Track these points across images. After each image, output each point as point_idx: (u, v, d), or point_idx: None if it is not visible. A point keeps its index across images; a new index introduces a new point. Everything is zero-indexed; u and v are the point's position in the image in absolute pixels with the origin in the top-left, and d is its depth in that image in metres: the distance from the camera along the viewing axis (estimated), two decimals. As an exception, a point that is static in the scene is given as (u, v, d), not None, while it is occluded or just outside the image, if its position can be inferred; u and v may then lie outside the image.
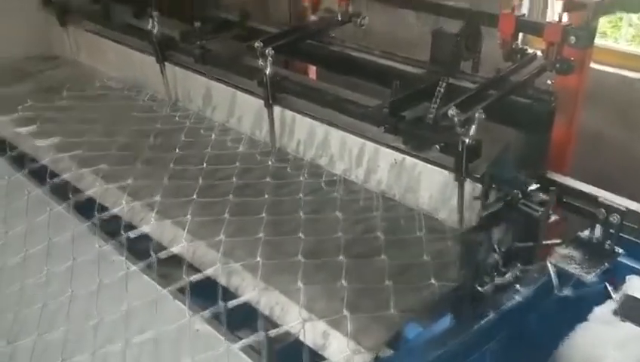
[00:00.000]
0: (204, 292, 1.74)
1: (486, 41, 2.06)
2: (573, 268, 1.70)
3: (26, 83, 2.92)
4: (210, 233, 1.86)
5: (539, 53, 1.97)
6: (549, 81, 1.89)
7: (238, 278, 1.72)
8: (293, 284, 1.66)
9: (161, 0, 2.71)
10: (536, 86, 1.92)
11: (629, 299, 1.71)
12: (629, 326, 1.67)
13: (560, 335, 1.70)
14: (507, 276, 1.75)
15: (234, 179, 2.13)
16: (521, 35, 2.01)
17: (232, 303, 1.62)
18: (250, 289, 1.67)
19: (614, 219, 1.72)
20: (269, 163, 2.24)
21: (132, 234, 1.86)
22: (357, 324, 1.54)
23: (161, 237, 1.89)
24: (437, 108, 1.79)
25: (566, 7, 1.90)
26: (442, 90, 1.84)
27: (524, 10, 3.26)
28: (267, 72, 2.16)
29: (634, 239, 1.75)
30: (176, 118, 2.56)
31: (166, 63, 2.60)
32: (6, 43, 3.05)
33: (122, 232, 1.89)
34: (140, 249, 1.87)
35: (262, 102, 2.24)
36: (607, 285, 1.78)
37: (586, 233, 1.79)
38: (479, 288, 1.69)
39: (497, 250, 1.72)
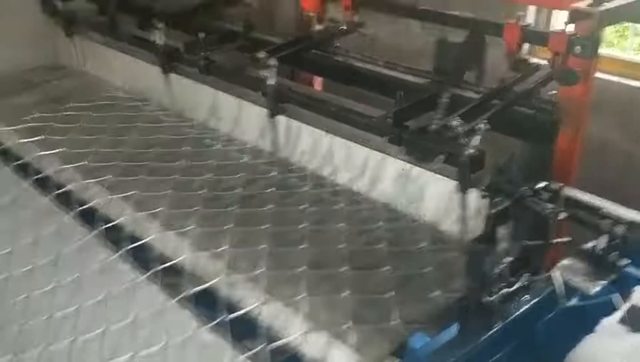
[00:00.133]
0: (209, 303, 1.74)
1: (491, 51, 2.06)
2: (577, 281, 1.69)
3: (33, 93, 2.93)
4: (214, 244, 1.86)
5: (544, 62, 1.97)
6: (551, 92, 1.88)
7: (241, 290, 1.72)
8: (296, 296, 1.66)
9: (166, 11, 2.72)
10: (539, 96, 1.91)
11: (637, 310, 1.69)
12: (636, 337, 1.65)
13: (567, 347, 1.68)
14: (515, 286, 1.74)
15: (238, 190, 2.13)
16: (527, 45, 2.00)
17: (233, 315, 1.62)
18: (253, 301, 1.67)
19: (619, 230, 1.70)
20: (273, 173, 2.25)
21: (135, 245, 1.87)
22: (360, 336, 1.53)
23: (164, 248, 1.89)
24: (440, 119, 1.78)
25: (572, 17, 1.90)
26: (446, 100, 1.83)
27: (530, 19, 3.26)
28: (271, 83, 2.17)
29: (642, 249, 1.74)
30: (182, 129, 2.57)
31: (172, 74, 2.62)
32: (13, 53, 3.08)
33: (126, 243, 1.90)
34: (145, 259, 1.88)
35: (267, 111, 2.24)
36: (615, 296, 1.77)
37: (590, 244, 1.78)
38: (487, 297, 1.68)
39: (505, 253, 1.71)
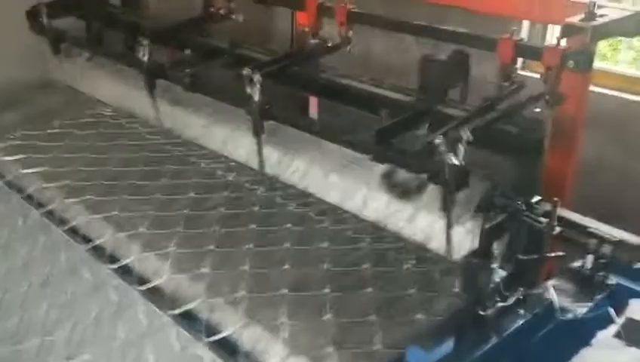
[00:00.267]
0: (190, 325, 1.71)
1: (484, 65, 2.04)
2: (564, 302, 1.66)
3: (18, 111, 2.91)
4: (195, 265, 1.83)
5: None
6: (537, 109, 1.86)
7: (221, 313, 1.68)
8: (276, 319, 1.63)
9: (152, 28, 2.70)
10: (524, 115, 1.89)
11: (633, 323, 1.67)
12: (633, 350, 1.63)
13: (563, 361, 1.65)
14: (509, 300, 1.71)
15: (221, 209, 2.10)
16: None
17: (212, 339, 1.59)
18: (233, 325, 1.64)
19: (606, 249, 1.67)
20: (259, 192, 2.22)
21: (115, 267, 1.84)
22: (341, 361, 1.50)
23: (144, 269, 1.86)
24: (424, 137, 1.76)
25: (564, 32, 1.88)
26: (430, 118, 1.81)
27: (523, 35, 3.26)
28: (255, 100, 2.14)
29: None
30: (167, 147, 2.54)
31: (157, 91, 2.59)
32: (1, 70, 3.06)
33: (107, 264, 1.87)
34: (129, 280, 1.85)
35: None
36: (611, 309, 1.74)
37: (577, 264, 1.75)
38: (481, 312, 1.66)
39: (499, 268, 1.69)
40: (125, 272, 1.88)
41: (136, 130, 2.69)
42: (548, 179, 2.12)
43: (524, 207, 1.71)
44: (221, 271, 1.81)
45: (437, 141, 1.65)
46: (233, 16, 2.72)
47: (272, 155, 2.16)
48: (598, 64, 3.09)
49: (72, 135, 2.63)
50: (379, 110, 1.94)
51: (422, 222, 1.84)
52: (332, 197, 1.99)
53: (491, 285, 1.66)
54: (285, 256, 1.87)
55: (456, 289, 1.72)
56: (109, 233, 2.00)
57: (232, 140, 2.37)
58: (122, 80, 2.81)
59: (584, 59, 1.87)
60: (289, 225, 2.01)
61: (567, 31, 1.88)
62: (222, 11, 2.74)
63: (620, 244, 1.66)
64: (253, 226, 2.02)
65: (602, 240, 1.68)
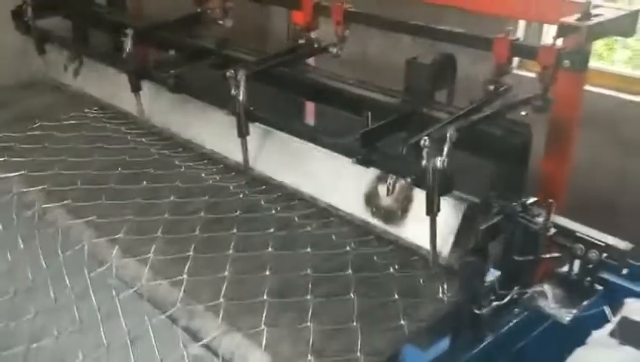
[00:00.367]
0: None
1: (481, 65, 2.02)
2: (550, 308, 1.63)
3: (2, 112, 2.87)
4: (174, 271, 1.79)
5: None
6: (523, 113, 1.83)
7: (200, 320, 1.64)
8: (256, 326, 1.59)
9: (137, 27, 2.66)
10: (510, 118, 1.86)
11: (628, 322, 1.65)
12: (627, 349, 1.61)
13: (558, 359, 1.63)
14: (505, 299, 1.69)
15: (202, 213, 2.06)
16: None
17: (192, 347, 1.55)
18: (212, 332, 1.60)
19: (593, 255, 1.64)
20: (242, 196, 2.18)
21: (93, 274, 1.80)
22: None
23: (123, 275, 1.82)
24: (409, 139, 1.72)
25: (560, 32, 1.87)
26: (415, 120, 1.78)
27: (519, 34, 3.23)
28: (240, 100, 2.11)
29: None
30: (152, 150, 2.49)
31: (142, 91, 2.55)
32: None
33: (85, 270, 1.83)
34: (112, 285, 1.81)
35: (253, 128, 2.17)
36: (606, 308, 1.72)
37: (564, 269, 1.72)
38: (476, 311, 1.66)
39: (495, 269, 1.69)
40: (108, 278, 1.84)
41: (120, 131, 2.64)
42: (543, 179, 2.10)
43: (519, 209, 1.70)
44: (201, 277, 1.77)
45: (422, 144, 1.62)
46: (221, 22, 2.68)
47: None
48: (594, 64, 3.06)
49: (52, 137, 2.57)
50: (363, 112, 1.91)
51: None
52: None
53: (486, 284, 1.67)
54: (267, 261, 1.83)
55: (441, 295, 1.69)
56: (91, 237, 1.95)
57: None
58: (107, 80, 2.78)
59: (580, 58, 1.88)
60: (272, 230, 1.97)
61: (563, 30, 1.87)
62: (212, 13, 2.69)
63: (608, 249, 1.64)
64: (235, 231, 1.97)
65: (590, 245, 1.66)
